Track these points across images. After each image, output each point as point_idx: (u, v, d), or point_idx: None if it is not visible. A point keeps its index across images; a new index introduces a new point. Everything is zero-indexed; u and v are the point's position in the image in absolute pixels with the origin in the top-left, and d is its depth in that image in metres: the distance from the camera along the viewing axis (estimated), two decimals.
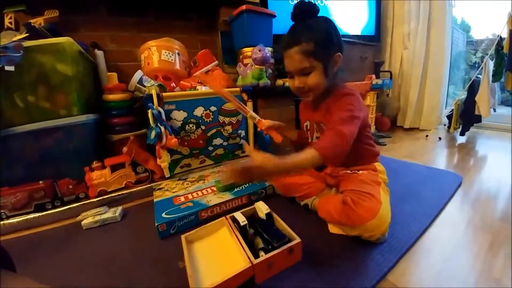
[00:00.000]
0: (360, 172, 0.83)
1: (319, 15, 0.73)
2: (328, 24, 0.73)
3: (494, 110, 1.83)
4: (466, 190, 1.01)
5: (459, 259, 0.64)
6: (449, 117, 1.90)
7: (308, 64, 0.71)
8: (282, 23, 1.70)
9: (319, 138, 0.82)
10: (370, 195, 0.69)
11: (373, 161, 0.87)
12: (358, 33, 2.19)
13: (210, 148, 1.30)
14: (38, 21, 1.08)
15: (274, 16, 1.58)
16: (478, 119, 1.76)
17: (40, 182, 0.93)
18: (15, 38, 0.91)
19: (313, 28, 0.70)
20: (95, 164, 1.04)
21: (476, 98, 1.67)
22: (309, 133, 0.92)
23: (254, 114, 0.92)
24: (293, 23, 0.75)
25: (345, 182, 0.82)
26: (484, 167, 1.27)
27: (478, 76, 1.70)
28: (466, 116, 1.78)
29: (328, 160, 0.71)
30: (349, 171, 0.85)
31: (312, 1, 0.72)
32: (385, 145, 1.77)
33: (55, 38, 0.95)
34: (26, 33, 0.98)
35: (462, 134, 1.82)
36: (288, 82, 0.81)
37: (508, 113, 2.07)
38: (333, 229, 0.76)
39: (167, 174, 1.14)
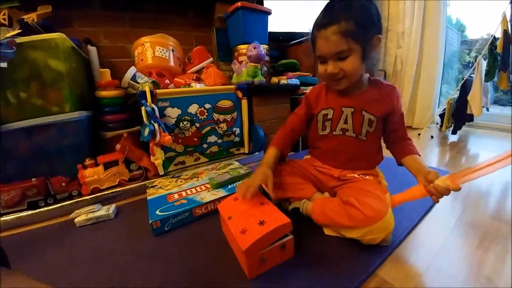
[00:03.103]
0: (367, 177, 0.80)
1: None
2: (369, 2, 0.65)
3: (487, 109, 1.86)
4: None
5: (449, 254, 0.65)
6: (442, 116, 1.92)
7: (346, 47, 0.64)
8: (278, 21, 1.70)
9: (401, 145, 0.83)
10: (377, 196, 0.66)
11: (377, 164, 0.85)
12: None
13: (205, 146, 1.30)
14: (31, 17, 1.06)
15: (270, 13, 1.58)
16: (470, 118, 1.79)
17: (33, 179, 0.92)
18: (8, 35, 0.90)
19: (353, 6, 0.63)
20: (88, 161, 1.03)
21: (468, 98, 1.70)
22: (328, 124, 0.82)
23: None
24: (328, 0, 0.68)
25: (349, 186, 0.77)
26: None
27: (471, 75, 1.72)
28: (458, 115, 1.80)
29: None
30: (356, 175, 0.80)
31: None
32: None
33: (47, 34, 0.94)
34: (19, 29, 0.97)
35: (454, 132, 1.84)
36: (318, 68, 0.73)
37: (500, 113, 2.11)
38: (328, 231, 0.73)
39: (161, 172, 1.14)
